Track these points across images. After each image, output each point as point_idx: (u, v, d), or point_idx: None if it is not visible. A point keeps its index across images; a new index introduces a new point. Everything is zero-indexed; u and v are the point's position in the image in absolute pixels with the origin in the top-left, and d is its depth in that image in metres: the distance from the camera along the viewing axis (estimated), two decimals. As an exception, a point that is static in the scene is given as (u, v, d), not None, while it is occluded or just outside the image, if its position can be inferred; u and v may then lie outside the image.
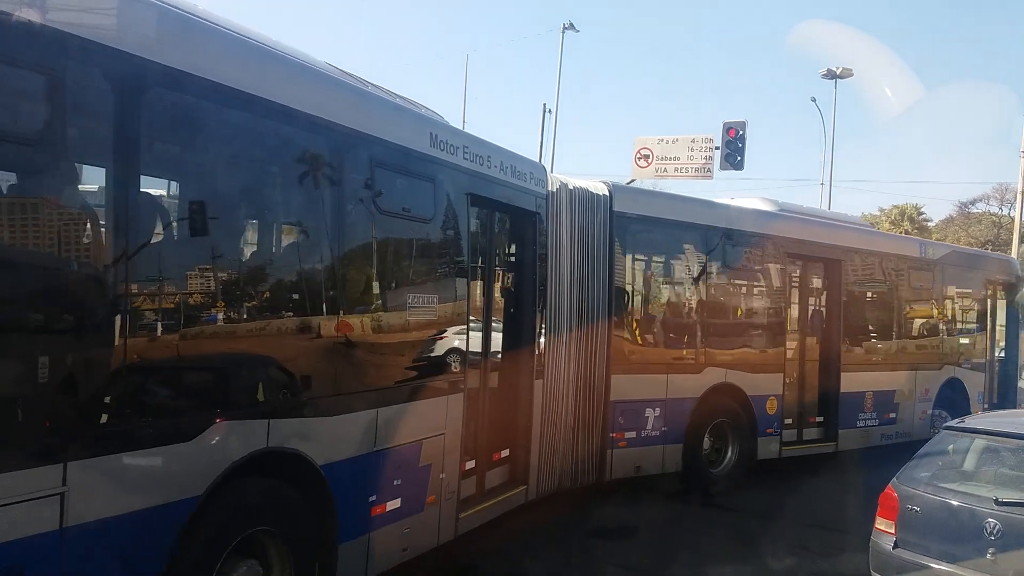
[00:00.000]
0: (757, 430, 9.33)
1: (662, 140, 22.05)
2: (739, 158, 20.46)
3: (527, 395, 7.10)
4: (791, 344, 10.09)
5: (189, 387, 3.97)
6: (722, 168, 20.78)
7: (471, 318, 6.34)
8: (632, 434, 8.08)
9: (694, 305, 9.10)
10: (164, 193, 4.20)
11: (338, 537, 4.72)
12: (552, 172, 7.92)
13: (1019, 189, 27.29)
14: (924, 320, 12.09)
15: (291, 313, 4.64)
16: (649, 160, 21.59)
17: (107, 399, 3.50)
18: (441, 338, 5.95)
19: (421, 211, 5.79)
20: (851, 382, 10.42)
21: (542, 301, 7.21)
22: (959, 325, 12.87)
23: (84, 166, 3.63)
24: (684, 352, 8.88)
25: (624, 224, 8.15)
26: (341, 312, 4.87)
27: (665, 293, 9.07)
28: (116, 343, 3.48)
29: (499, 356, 7.03)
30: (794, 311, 10.40)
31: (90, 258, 3.54)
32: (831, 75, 30.08)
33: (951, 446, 5.91)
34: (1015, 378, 13.60)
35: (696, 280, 9.09)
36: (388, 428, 5.17)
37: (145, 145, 3.67)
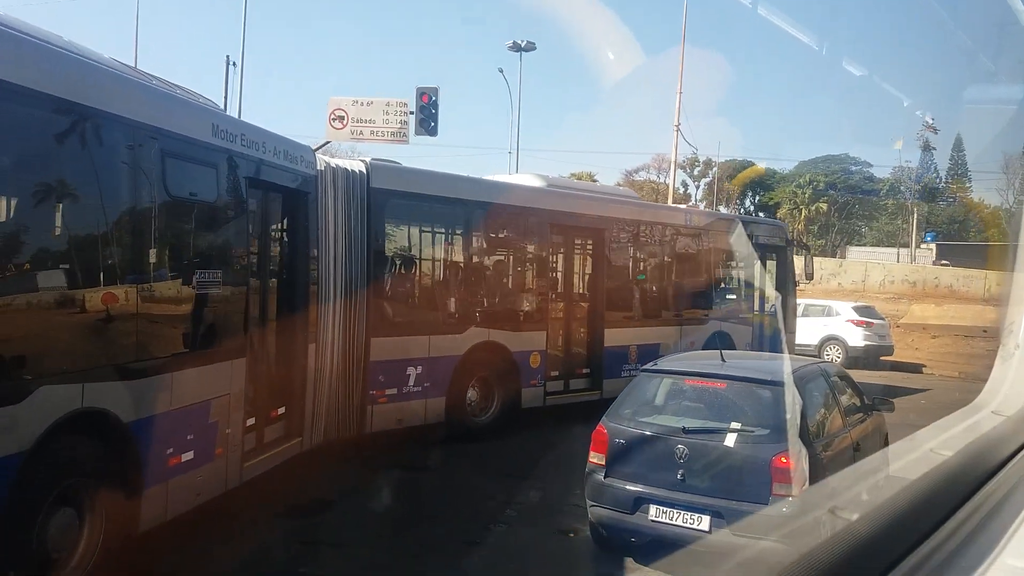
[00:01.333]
0: (520, 382, 10.57)
1: (357, 102, 21.92)
2: (433, 124, 21.16)
3: (301, 358, 8.02)
4: (556, 306, 11.52)
5: (16, 358, 4.53)
6: (417, 133, 21.33)
7: (251, 290, 7.16)
8: (393, 391, 9.16)
9: (454, 273, 10.36)
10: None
11: (143, 485, 5.45)
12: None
13: (672, 159, 32.27)
14: (690, 280, 13.52)
15: (91, 289, 5.23)
16: (344, 122, 21.42)
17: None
18: (224, 309, 6.73)
19: (205, 194, 6.50)
20: (615, 337, 11.79)
21: (314, 272, 8.15)
22: (726, 284, 14.57)
23: None
24: (445, 315, 10.07)
25: (382, 199, 9.10)
26: (138, 287, 5.53)
27: (425, 262, 10.16)
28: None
29: (277, 324, 7.86)
30: (559, 277, 11.82)
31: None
32: (516, 48, 32.14)
33: (647, 385, 6.57)
34: (781, 329, 15.21)
35: (456, 249, 10.35)
36: (182, 389, 5.92)
37: None
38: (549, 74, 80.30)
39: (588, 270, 12.28)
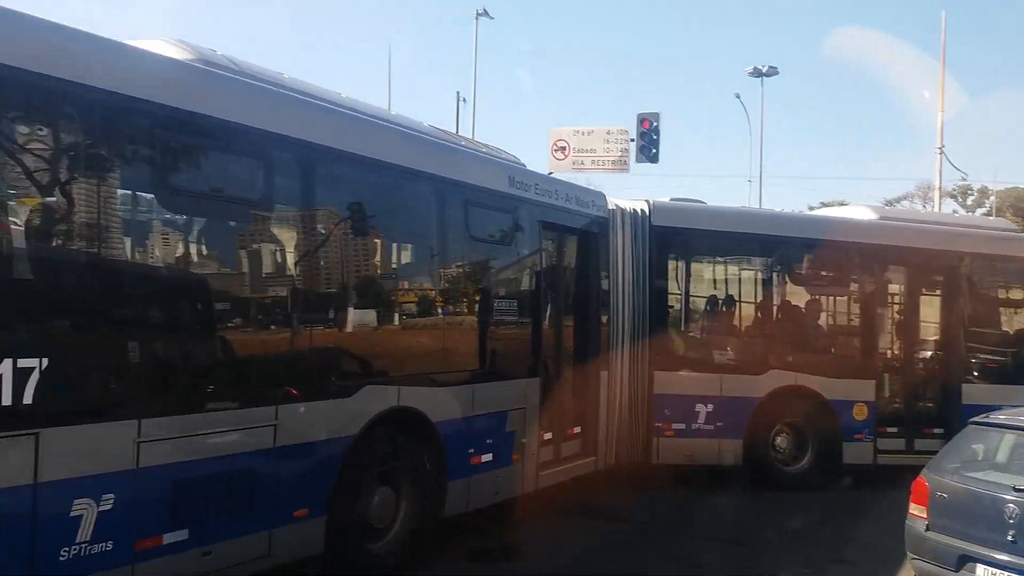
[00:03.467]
0: (840, 434, 9.74)
1: (577, 132, 21.83)
2: (654, 151, 20.15)
3: (595, 384, 8.74)
4: (890, 353, 10.54)
5: (353, 361, 5.85)
6: (637, 161, 20.47)
7: (546, 320, 8.09)
8: (680, 425, 9.28)
9: (749, 311, 10.30)
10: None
11: (447, 476, 6.48)
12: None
13: (937, 186, 27.11)
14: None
15: (412, 313, 6.51)
16: (566, 152, 21.46)
17: (303, 368, 5.41)
18: (521, 335, 7.70)
19: (503, 236, 7.59)
20: (978, 394, 9.84)
21: (604, 307, 8.87)
22: None
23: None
24: (738, 354, 9.96)
25: (664, 236, 9.46)
26: (447, 312, 6.71)
27: (714, 300, 10.25)
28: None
29: (572, 352, 8.69)
30: (892, 320, 10.72)
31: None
32: (757, 73, 30.32)
33: (976, 439, 6.38)
34: None
35: (751, 287, 10.31)
36: (482, 399, 6.92)
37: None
38: (789, 98, 74.00)
39: (934, 314, 10.87)
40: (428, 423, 6.30)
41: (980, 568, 5.50)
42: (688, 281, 10.08)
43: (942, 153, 25.20)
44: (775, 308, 10.32)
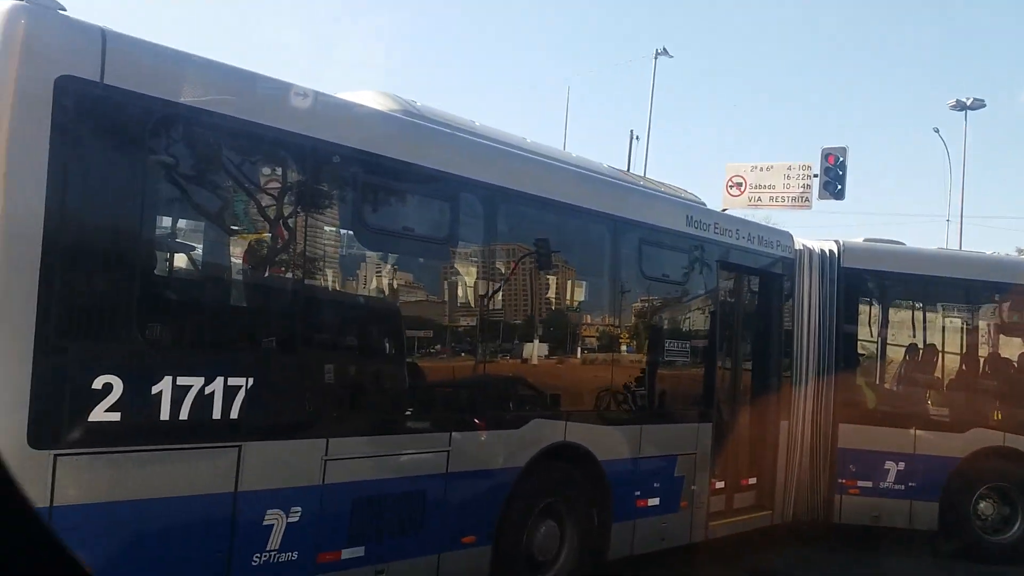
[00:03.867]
0: None
1: (755, 167, 21.15)
2: (839, 187, 19.12)
3: (773, 433, 8.36)
4: None
5: (522, 394, 6.01)
6: (820, 197, 19.49)
7: (721, 363, 7.87)
8: (867, 483, 8.61)
9: (950, 363, 9.44)
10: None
11: (612, 516, 6.44)
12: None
13: None
14: None
15: (583, 350, 6.58)
16: (742, 188, 20.63)
17: (477, 397, 5.63)
18: (694, 377, 7.55)
19: (678, 276, 7.50)
20: None
21: (786, 352, 8.49)
22: None
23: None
24: (936, 409, 9.20)
25: (855, 280, 8.93)
26: (618, 351, 6.72)
27: (910, 349, 9.46)
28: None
29: (747, 397, 8.39)
30: None
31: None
32: (960, 106, 27.58)
33: None
34: None
35: (955, 337, 9.48)
36: (650, 442, 6.83)
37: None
38: (997, 132, 65.01)
39: None
40: (594, 460, 6.30)
41: None
42: (881, 327, 9.44)
43: None
44: (981, 360, 9.46)
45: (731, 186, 20.78)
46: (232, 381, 4.17)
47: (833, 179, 19.29)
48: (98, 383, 3.67)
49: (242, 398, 4.20)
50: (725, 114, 72.31)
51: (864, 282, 9.15)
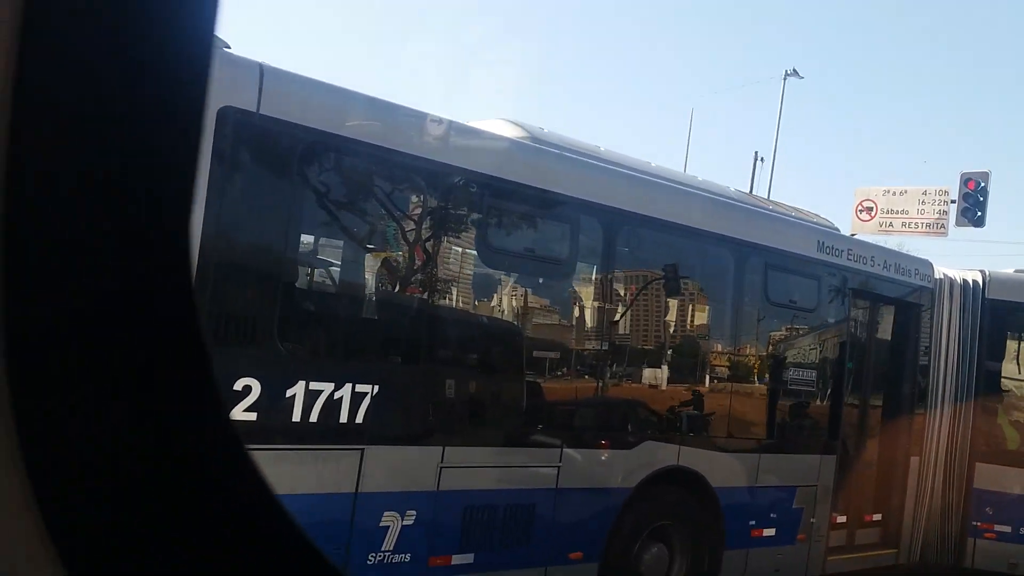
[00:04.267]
0: None
1: (887, 192, 19.77)
2: (979, 213, 17.69)
3: (903, 469, 7.93)
4: None
5: (635, 416, 6.03)
6: (958, 224, 18.09)
7: (849, 394, 7.54)
8: (1005, 528, 8.05)
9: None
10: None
11: (724, 544, 6.32)
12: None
13: None
14: None
15: (701, 375, 6.50)
16: (872, 213, 19.57)
17: (590, 416, 5.70)
18: (818, 408, 7.28)
19: (808, 302, 7.25)
20: None
21: (922, 385, 8.02)
22: None
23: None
24: None
25: (1001, 312, 8.38)
26: (738, 377, 6.59)
27: None
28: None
29: (876, 430, 7.99)
30: None
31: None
32: None
33: None
34: None
35: None
36: (768, 471, 6.66)
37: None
38: None
39: None
40: (707, 486, 6.21)
41: None
42: None
43: None
44: None
45: (861, 210, 19.85)
46: (359, 388, 4.44)
47: (973, 205, 18.17)
48: (238, 385, 4.02)
49: (367, 404, 4.46)
50: (854, 137, 68.82)
51: (1012, 314, 8.54)
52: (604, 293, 5.95)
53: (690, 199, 6.50)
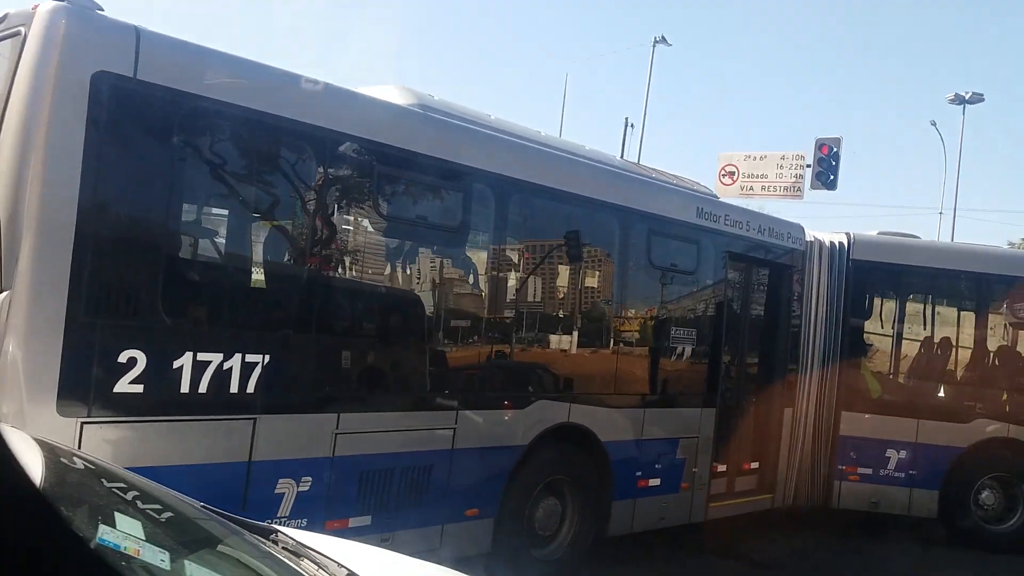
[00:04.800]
0: None
1: (749, 157, 20.82)
2: (832, 177, 18.94)
3: (777, 420, 8.42)
4: None
5: (528, 376, 6.16)
6: (813, 187, 19.39)
7: (727, 352, 7.94)
8: (867, 470, 8.63)
9: (954, 355, 9.35)
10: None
11: (613, 495, 6.58)
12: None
13: None
14: None
15: (588, 336, 6.69)
16: (734, 177, 20.43)
17: (483, 378, 5.78)
18: (699, 365, 7.62)
19: (687, 265, 7.56)
20: None
21: (794, 341, 8.52)
22: None
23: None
24: (939, 400, 9.17)
25: (863, 272, 8.85)
26: (623, 338, 6.81)
27: (914, 341, 9.44)
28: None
29: (753, 384, 8.45)
30: None
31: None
32: (959, 100, 27.00)
33: None
34: None
35: (960, 329, 9.41)
36: (652, 425, 6.95)
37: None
38: (993, 126, 63.98)
39: None
40: (596, 441, 6.44)
41: None
42: (888, 319, 9.42)
43: None
44: (988, 353, 9.39)
45: (724, 175, 20.50)
46: (249, 358, 4.37)
47: (826, 169, 19.10)
48: (123, 357, 3.89)
49: (258, 374, 4.40)
50: (721, 103, 71.53)
51: (873, 274, 9.06)
52: (496, 260, 6.02)
53: (580, 168, 6.63)
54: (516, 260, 6.39)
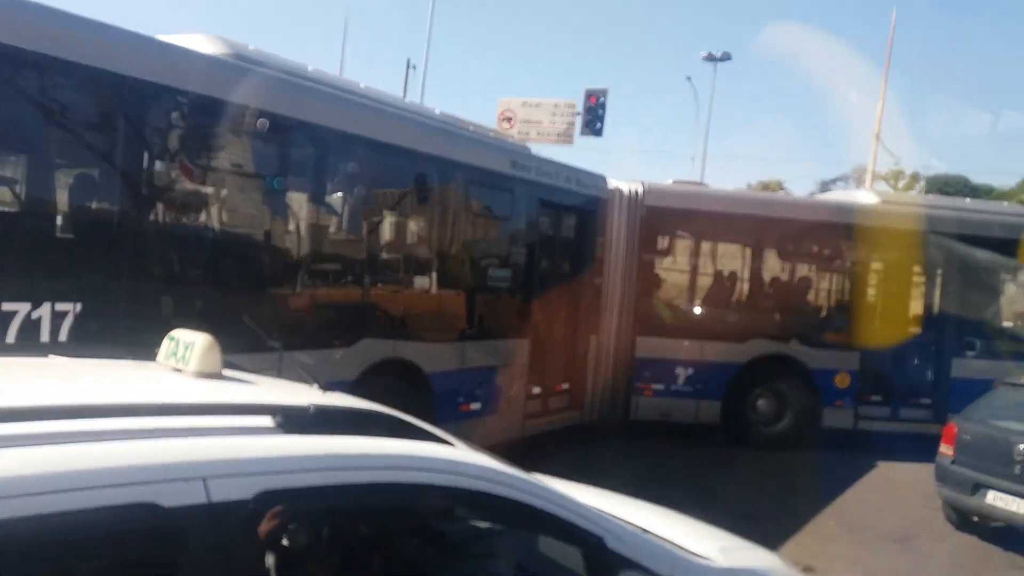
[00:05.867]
0: (820, 401, 9.85)
1: (526, 103, 21.11)
2: (599, 125, 19.58)
3: (584, 346, 9.06)
4: (875, 325, 10.12)
5: (354, 316, 6.26)
6: (582, 134, 19.88)
7: (538, 288, 8.38)
8: (660, 386, 9.47)
9: (731, 284, 10.32)
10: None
11: (437, 419, 6.84)
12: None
13: (870, 170, 25.75)
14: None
15: (411, 277, 6.86)
16: (512, 122, 20.48)
17: (310, 319, 5.82)
18: (514, 300, 8.03)
19: (503, 212, 7.87)
20: (969, 368, 9.88)
21: (598, 277, 9.13)
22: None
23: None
24: (719, 323, 10.06)
25: (654, 215, 9.53)
26: (443, 279, 7.04)
27: (699, 273, 10.26)
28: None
29: (563, 316, 8.99)
30: (872, 293, 10.54)
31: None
32: (711, 58, 29.46)
33: (1002, 395, 7.19)
34: None
35: (734, 261, 10.32)
36: (472, 356, 7.29)
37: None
38: (739, 82, 73.62)
39: (928, 292, 10.50)
40: (421, 373, 6.69)
41: (991, 493, 6.54)
42: (678, 256, 10.25)
43: (878, 139, 23.99)
44: (761, 282, 10.40)
45: (503, 120, 20.42)
46: (59, 307, 4.19)
47: (594, 118, 19.54)
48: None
49: (70, 323, 4.22)
50: (501, 50, 72.77)
51: (664, 217, 9.74)
52: (320, 206, 6.04)
53: (405, 122, 6.69)
54: (343, 208, 6.40)
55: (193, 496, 1.52)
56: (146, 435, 1.59)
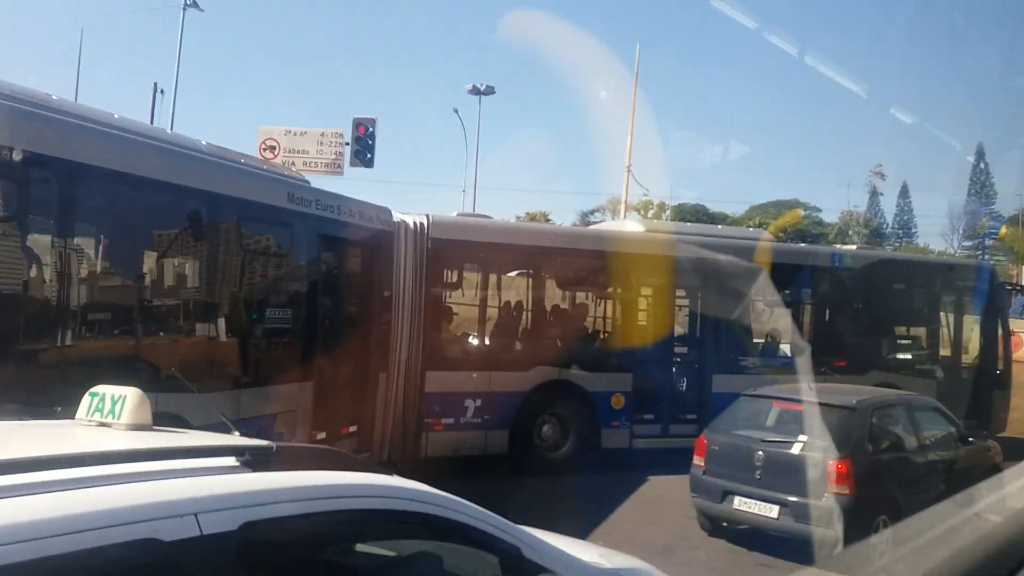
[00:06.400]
0: (599, 422, 10.06)
1: (289, 132, 20.11)
2: (369, 155, 19.07)
3: (372, 385, 8.67)
4: (646, 348, 10.57)
5: (104, 368, 5.41)
6: (352, 164, 19.30)
7: (323, 327, 7.87)
8: (450, 420, 9.29)
9: (516, 313, 10.51)
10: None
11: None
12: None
13: (623, 201, 28.33)
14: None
15: (175, 321, 6.12)
16: (276, 152, 19.42)
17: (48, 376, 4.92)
18: (295, 342, 7.48)
19: (280, 248, 7.32)
20: (727, 384, 10.01)
21: (385, 312, 8.76)
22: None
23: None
24: (506, 353, 10.18)
25: (439, 247, 9.31)
26: (210, 321, 6.37)
27: (485, 304, 10.33)
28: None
29: (350, 355, 8.53)
30: (639, 320, 11.00)
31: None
32: (476, 91, 29.94)
33: (744, 406, 7.59)
34: None
35: (519, 290, 10.50)
36: (248, 404, 6.66)
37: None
38: (505, 115, 79.22)
39: (691, 313, 11.34)
40: (189, 426, 5.93)
41: (736, 499, 6.87)
42: (464, 288, 10.21)
43: (629, 172, 25.87)
44: (541, 311, 10.65)
45: (265, 149, 19.34)
46: None
47: (363, 148, 19.00)
48: None
49: None
50: (261, 76, 70.65)
51: (448, 249, 9.57)
52: (69, 251, 5.20)
53: (165, 155, 6.01)
54: (96, 250, 5.59)
55: (188, 530, 1.72)
56: (140, 478, 1.78)
